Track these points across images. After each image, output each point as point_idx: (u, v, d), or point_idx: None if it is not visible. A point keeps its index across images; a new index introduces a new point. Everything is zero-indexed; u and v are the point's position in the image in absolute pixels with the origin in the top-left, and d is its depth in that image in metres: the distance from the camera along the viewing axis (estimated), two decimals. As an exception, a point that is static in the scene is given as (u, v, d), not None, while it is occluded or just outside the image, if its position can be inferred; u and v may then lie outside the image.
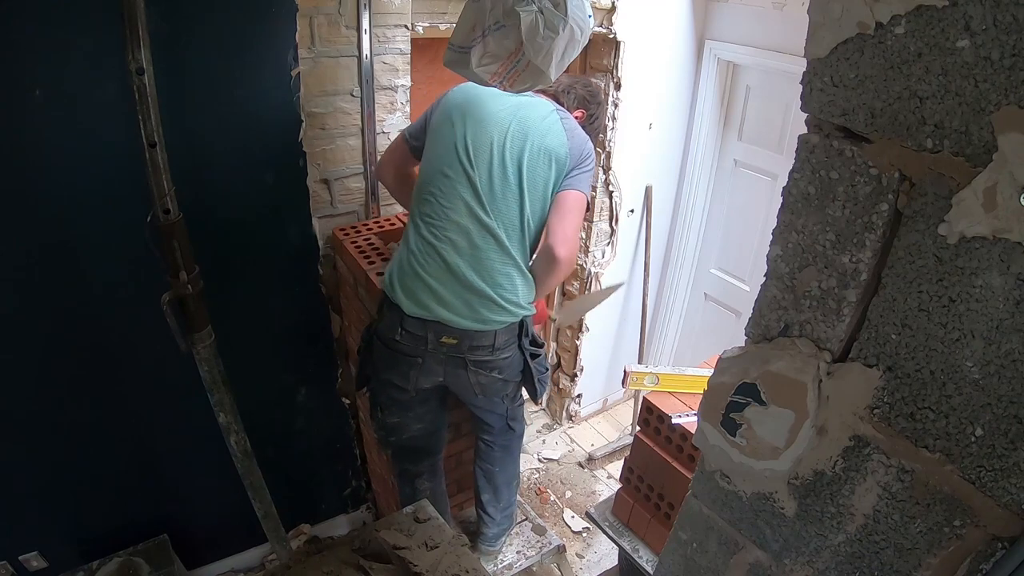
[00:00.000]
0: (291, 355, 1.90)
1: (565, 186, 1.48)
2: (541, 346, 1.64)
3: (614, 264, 2.69)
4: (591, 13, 1.24)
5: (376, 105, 1.71)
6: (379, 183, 1.82)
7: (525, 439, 2.17)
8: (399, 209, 1.91)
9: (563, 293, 2.78)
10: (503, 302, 1.47)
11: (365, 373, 1.66)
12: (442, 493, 1.88)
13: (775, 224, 0.60)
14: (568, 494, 2.64)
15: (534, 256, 1.55)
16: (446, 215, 1.45)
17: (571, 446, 2.92)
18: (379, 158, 1.72)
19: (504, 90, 1.27)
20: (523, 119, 1.45)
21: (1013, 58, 0.41)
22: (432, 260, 1.46)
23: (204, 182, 1.50)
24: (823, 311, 0.59)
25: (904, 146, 0.49)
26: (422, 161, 1.53)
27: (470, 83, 1.35)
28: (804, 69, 0.54)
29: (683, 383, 1.72)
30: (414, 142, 1.57)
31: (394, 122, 1.76)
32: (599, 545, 2.39)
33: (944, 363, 0.51)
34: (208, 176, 1.52)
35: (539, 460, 2.82)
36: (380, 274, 1.59)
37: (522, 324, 1.54)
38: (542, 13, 1.15)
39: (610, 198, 2.50)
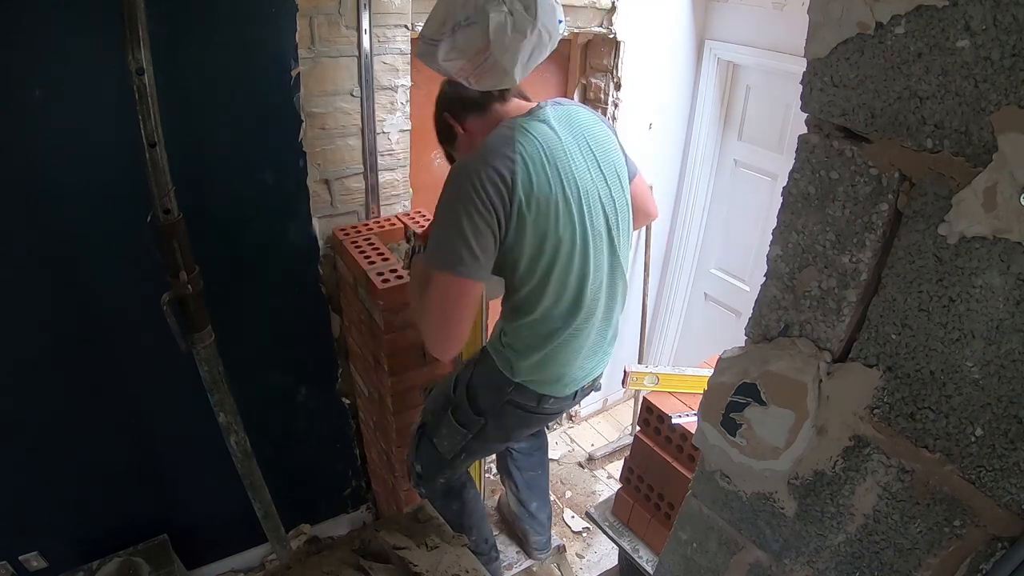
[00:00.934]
0: (291, 355, 1.90)
1: (632, 169, 1.44)
2: None
3: (614, 264, 2.68)
4: (563, 18, 1.24)
5: (376, 105, 1.70)
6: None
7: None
8: (399, 209, 1.91)
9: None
10: (619, 319, 1.47)
11: (469, 435, 1.45)
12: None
13: (775, 224, 0.60)
14: (568, 494, 2.64)
15: None
16: (594, 284, 1.32)
17: (571, 446, 2.92)
18: (453, 332, 1.23)
19: (470, 86, 1.26)
20: (581, 132, 1.30)
21: (1013, 58, 0.41)
22: (582, 335, 1.35)
23: (204, 182, 1.50)
24: (823, 311, 0.59)
25: (904, 146, 0.49)
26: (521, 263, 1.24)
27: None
28: (804, 69, 0.54)
29: (683, 383, 1.72)
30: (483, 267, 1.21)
31: (394, 122, 1.76)
32: (599, 545, 2.39)
33: (944, 363, 0.51)
34: (208, 176, 1.52)
35: (539, 460, 2.82)
36: (380, 274, 1.59)
37: None
38: (512, 15, 1.15)
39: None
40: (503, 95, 1.31)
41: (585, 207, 1.25)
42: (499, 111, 1.31)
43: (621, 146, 1.42)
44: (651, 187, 2.62)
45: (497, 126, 1.25)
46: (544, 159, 1.19)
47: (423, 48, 1.25)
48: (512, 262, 1.24)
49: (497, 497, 2.27)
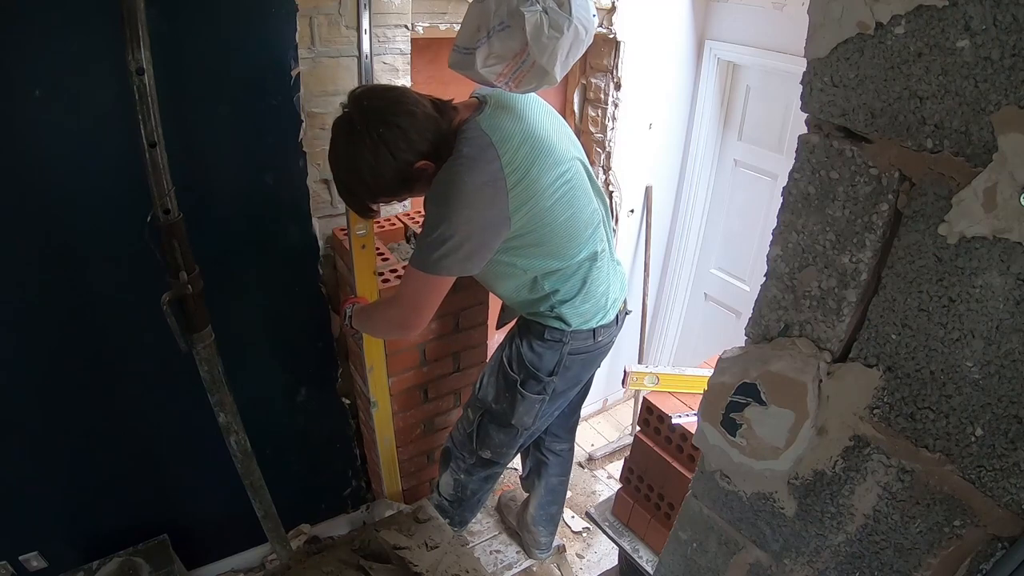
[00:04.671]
0: (291, 355, 1.89)
1: None
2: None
3: (614, 264, 2.69)
4: (595, 12, 1.24)
5: (376, 105, 1.70)
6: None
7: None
8: (399, 209, 1.91)
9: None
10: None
11: (545, 397, 1.54)
12: None
13: (775, 224, 0.60)
14: (568, 494, 2.64)
15: None
16: (595, 215, 1.43)
17: (571, 446, 2.92)
18: (414, 319, 1.33)
19: (510, 91, 1.27)
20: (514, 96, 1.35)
21: (1013, 58, 0.41)
22: (602, 261, 1.47)
23: (204, 182, 1.50)
24: (823, 311, 0.59)
25: (904, 146, 0.49)
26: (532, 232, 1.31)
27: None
28: (804, 69, 0.54)
29: (683, 383, 1.72)
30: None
31: (394, 122, 1.75)
32: (599, 545, 2.39)
33: (944, 363, 0.51)
34: (208, 176, 1.52)
35: (539, 460, 2.82)
36: (380, 274, 1.58)
37: None
38: (547, 13, 1.15)
39: (610, 198, 2.50)
40: (450, 109, 1.33)
41: (558, 148, 1.33)
42: (454, 121, 1.31)
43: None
44: (650, 187, 2.64)
45: (457, 137, 1.27)
46: (513, 132, 1.26)
47: (458, 58, 1.24)
48: (531, 238, 1.32)
49: (497, 497, 2.27)
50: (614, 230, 1.59)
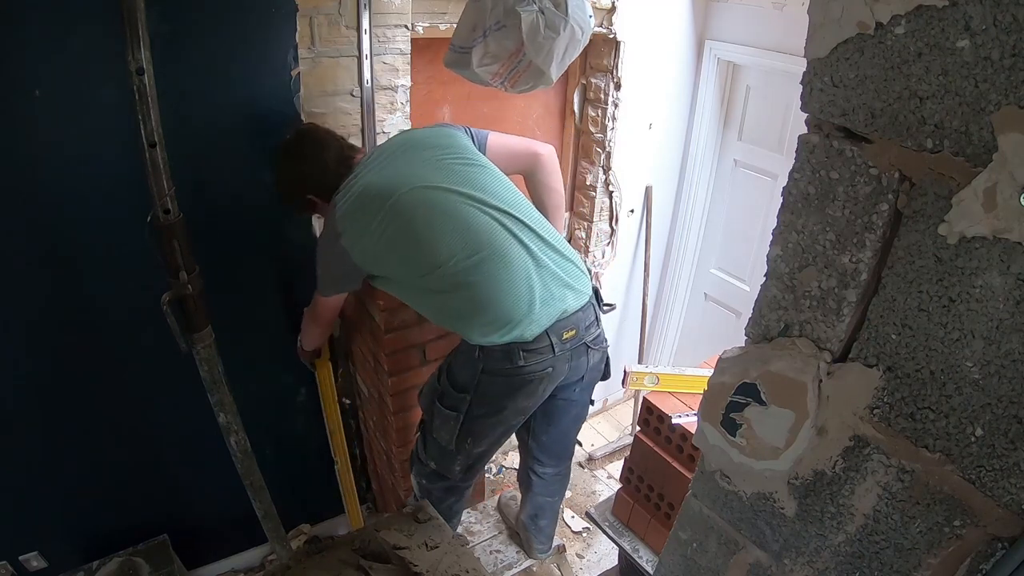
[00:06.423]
0: (291, 355, 1.90)
1: (480, 138, 1.52)
2: (612, 306, 1.69)
3: (614, 264, 2.69)
4: (592, 13, 1.24)
5: (376, 105, 1.70)
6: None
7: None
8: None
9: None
10: (578, 261, 1.47)
11: (460, 415, 1.46)
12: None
13: (775, 224, 0.60)
14: (568, 494, 2.64)
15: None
16: (481, 229, 1.36)
17: (571, 446, 2.92)
18: (322, 315, 1.65)
19: (506, 90, 1.27)
20: (396, 149, 1.46)
21: (1013, 58, 0.41)
22: (506, 268, 1.35)
23: (204, 182, 1.50)
24: (823, 311, 0.59)
25: (904, 146, 0.49)
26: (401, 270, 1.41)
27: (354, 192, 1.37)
28: (804, 69, 0.54)
29: (683, 383, 1.72)
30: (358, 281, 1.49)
31: (394, 122, 1.76)
32: (599, 545, 2.39)
33: (944, 363, 0.51)
34: (208, 176, 1.52)
35: (539, 460, 2.82)
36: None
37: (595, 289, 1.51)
38: (543, 13, 1.15)
39: (610, 198, 2.50)
40: (350, 164, 1.47)
41: (418, 184, 1.36)
42: (347, 175, 1.45)
43: (465, 129, 1.51)
44: (650, 187, 2.63)
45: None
46: (363, 210, 1.38)
47: (453, 57, 1.24)
48: (391, 272, 1.43)
49: (497, 497, 2.27)
50: (543, 239, 1.43)
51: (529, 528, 2.00)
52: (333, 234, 1.41)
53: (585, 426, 3.02)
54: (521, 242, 1.37)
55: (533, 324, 1.35)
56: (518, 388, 1.41)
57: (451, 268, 1.33)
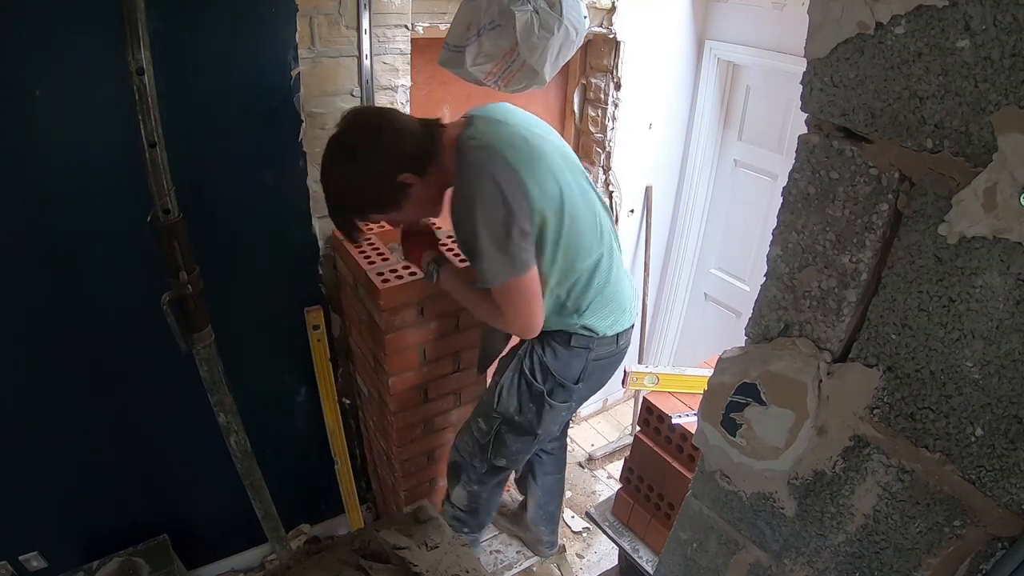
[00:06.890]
0: (291, 355, 1.90)
1: None
2: None
3: (614, 264, 2.69)
4: (586, 14, 1.24)
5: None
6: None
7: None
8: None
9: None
10: None
11: (572, 404, 1.60)
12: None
13: (775, 224, 0.60)
14: (568, 494, 2.64)
15: None
16: (596, 220, 1.43)
17: (571, 446, 2.91)
18: (533, 320, 1.37)
19: (499, 90, 1.27)
20: (505, 109, 1.39)
21: (1013, 58, 0.41)
22: (614, 265, 1.49)
23: (204, 182, 1.50)
24: (823, 311, 0.59)
25: (904, 146, 0.49)
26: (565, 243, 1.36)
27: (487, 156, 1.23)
28: (804, 69, 0.54)
29: (683, 383, 1.72)
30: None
31: (394, 122, 1.76)
32: (599, 545, 2.39)
33: (944, 363, 0.51)
34: (208, 176, 1.52)
35: (539, 460, 2.82)
36: (380, 274, 1.58)
37: None
38: (537, 13, 1.15)
39: (610, 198, 2.50)
40: (438, 126, 1.33)
41: (558, 160, 1.34)
42: (443, 140, 1.31)
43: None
44: (650, 187, 2.64)
45: (454, 150, 1.27)
46: (512, 141, 1.26)
47: (447, 56, 1.24)
48: (549, 233, 1.31)
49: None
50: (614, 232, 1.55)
51: (539, 520, 2.02)
52: (492, 171, 1.19)
53: (585, 426, 3.04)
54: (612, 233, 1.51)
55: (631, 311, 1.55)
56: (612, 366, 1.60)
57: (588, 258, 1.41)
